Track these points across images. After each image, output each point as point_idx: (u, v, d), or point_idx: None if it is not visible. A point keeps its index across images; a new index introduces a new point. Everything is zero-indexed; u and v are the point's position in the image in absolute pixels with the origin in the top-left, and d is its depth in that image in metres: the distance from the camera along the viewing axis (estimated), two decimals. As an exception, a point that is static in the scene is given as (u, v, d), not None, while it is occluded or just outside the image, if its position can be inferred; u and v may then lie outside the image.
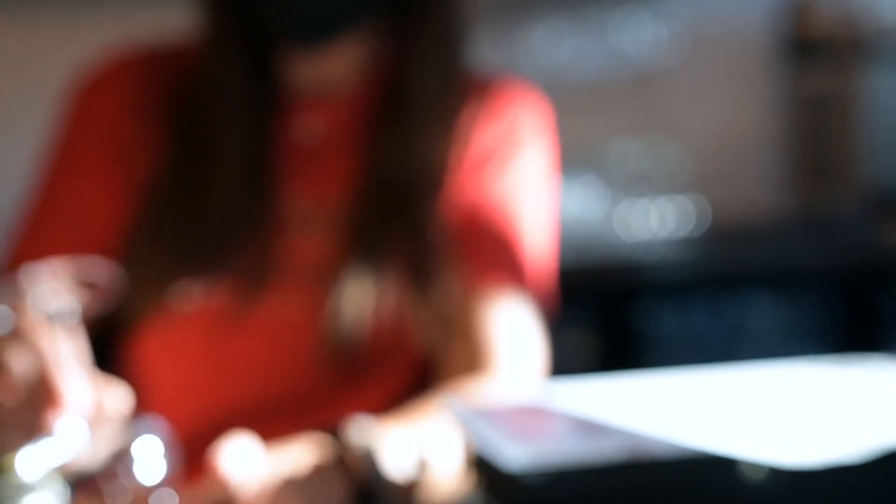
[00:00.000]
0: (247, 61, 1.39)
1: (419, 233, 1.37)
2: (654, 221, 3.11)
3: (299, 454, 1.15)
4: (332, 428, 1.18)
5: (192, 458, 1.25)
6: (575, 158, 3.14)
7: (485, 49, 3.22)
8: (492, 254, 1.39)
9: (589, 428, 1.03)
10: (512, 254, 1.40)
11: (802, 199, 3.38)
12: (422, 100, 1.40)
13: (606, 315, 2.93)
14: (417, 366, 1.39)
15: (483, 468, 1.03)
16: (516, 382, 1.34)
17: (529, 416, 1.12)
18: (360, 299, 1.34)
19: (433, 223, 1.37)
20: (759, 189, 3.39)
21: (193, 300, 1.36)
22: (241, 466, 1.09)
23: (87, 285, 0.99)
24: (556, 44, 3.28)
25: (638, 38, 3.32)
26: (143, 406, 1.38)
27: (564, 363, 2.91)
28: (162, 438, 1.04)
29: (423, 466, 1.18)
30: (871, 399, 1.09)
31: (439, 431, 1.18)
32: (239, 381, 1.37)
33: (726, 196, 3.31)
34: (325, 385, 1.35)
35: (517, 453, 0.94)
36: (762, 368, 1.21)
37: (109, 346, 1.39)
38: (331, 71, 1.42)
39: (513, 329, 1.37)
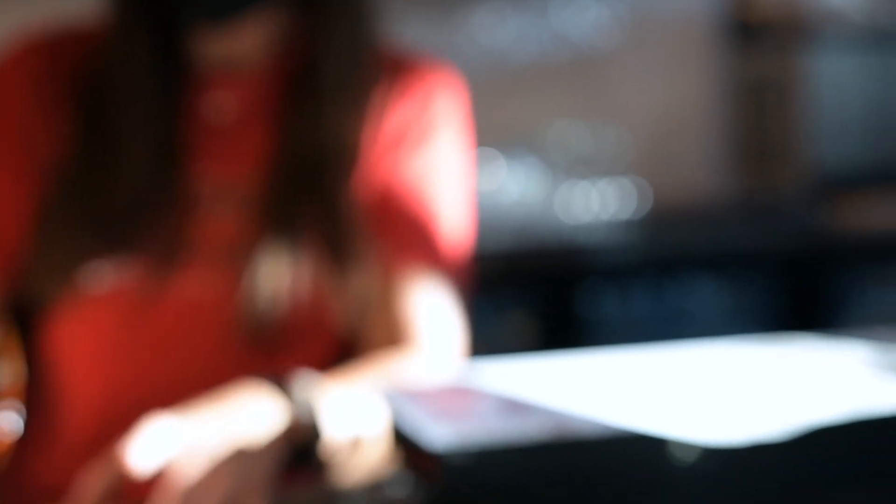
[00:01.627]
0: (154, 39, 1.39)
1: (333, 210, 1.37)
2: (596, 204, 3.12)
3: (248, 411, 1.16)
4: (278, 380, 1.20)
5: (108, 438, 1.24)
6: (516, 140, 3.16)
7: (426, 30, 3.26)
8: (407, 233, 1.40)
9: (515, 407, 1.03)
10: (427, 233, 1.40)
11: (744, 183, 3.40)
12: (332, 77, 1.40)
13: (548, 298, 2.94)
14: (336, 343, 1.40)
15: (408, 448, 1.02)
16: (437, 360, 1.35)
17: (455, 397, 1.12)
18: (275, 277, 1.34)
19: (347, 201, 1.38)
20: (701, 172, 3.41)
21: (106, 281, 1.36)
22: (157, 452, 1.09)
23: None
24: (497, 25, 3.29)
25: (580, 19, 3.33)
26: (59, 388, 1.39)
27: (505, 346, 2.94)
28: None
29: (357, 433, 1.19)
30: (800, 376, 1.09)
31: (371, 399, 1.19)
32: (154, 361, 1.37)
33: (668, 179, 3.33)
34: (241, 363, 1.34)
35: (441, 433, 0.94)
36: (693, 348, 1.20)
37: (23, 330, 1.38)
38: (241, 47, 1.42)
39: (431, 307, 1.38)
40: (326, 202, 1.38)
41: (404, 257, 1.38)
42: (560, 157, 3.18)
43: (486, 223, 2.96)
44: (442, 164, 1.44)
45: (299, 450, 1.16)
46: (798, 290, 3.01)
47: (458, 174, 1.46)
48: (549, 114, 3.26)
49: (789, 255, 3.07)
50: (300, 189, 1.38)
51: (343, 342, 1.40)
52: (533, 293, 2.93)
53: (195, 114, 1.41)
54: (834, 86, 3.22)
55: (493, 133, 3.16)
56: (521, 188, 3.07)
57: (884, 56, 3.26)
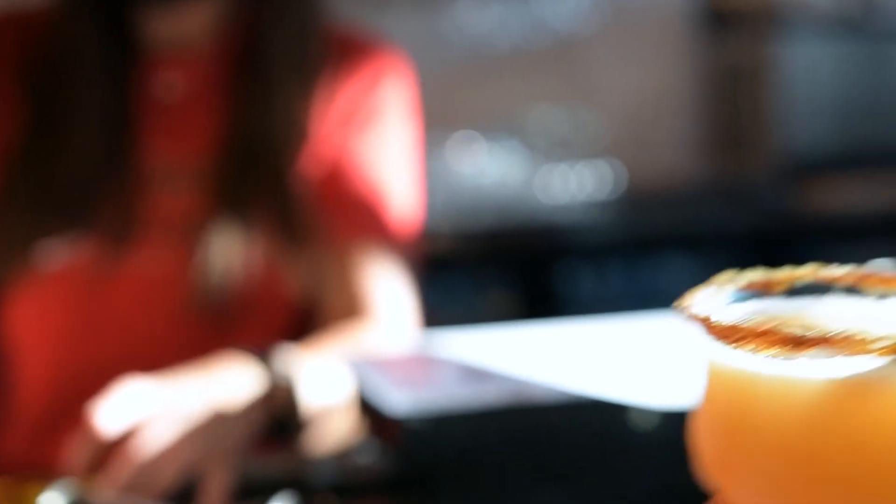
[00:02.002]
0: (102, 19, 1.38)
1: (283, 187, 1.37)
2: (574, 185, 3.13)
3: (224, 380, 1.16)
4: (258, 351, 1.20)
5: (63, 414, 1.27)
6: (497, 124, 3.18)
7: (408, 16, 3.24)
8: (357, 210, 1.40)
9: (475, 375, 1.06)
10: (376, 210, 1.41)
11: (717, 165, 3.42)
12: (280, 56, 1.40)
13: (526, 277, 2.96)
14: (291, 317, 1.40)
15: (372, 414, 1.07)
16: (393, 331, 1.36)
17: (417, 365, 1.15)
18: (228, 252, 1.34)
19: (297, 178, 1.38)
20: (675, 155, 3.43)
21: (59, 259, 1.35)
22: (126, 414, 1.09)
23: None
24: (479, 11, 3.29)
25: (559, 6, 3.33)
26: (14, 365, 1.39)
27: (485, 323, 2.92)
28: None
29: (328, 403, 1.20)
30: None
31: (339, 369, 1.20)
32: (108, 338, 1.37)
33: (644, 161, 3.34)
34: (196, 339, 1.34)
35: (401, 398, 0.98)
36: (652, 318, 1.25)
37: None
38: (189, 27, 1.42)
39: (383, 281, 1.39)
40: (276, 179, 1.37)
41: (354, 233, 1.38)
42: (539, 139, 3.20)
43: (468, 204, 3.00)
44: (390, 143, 1.44)
45: (277, 419, 1.16)
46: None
47: (406, 153, 1.47)
48: (529, 98, 3.28)
49: (760, 236, 3.09)
50: (250, 166, 1.37)
51: (298, 317, 1.40)
52: (512, 272, 2.95)
53: (145, 93, 1.40)
54: (804, 72, 3.24)
55: (475, 116, 3.18)
56: (501, 170, 3.08)
57: (853, 43, 3.27)
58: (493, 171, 3.06)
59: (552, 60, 3.34)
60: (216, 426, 1.10)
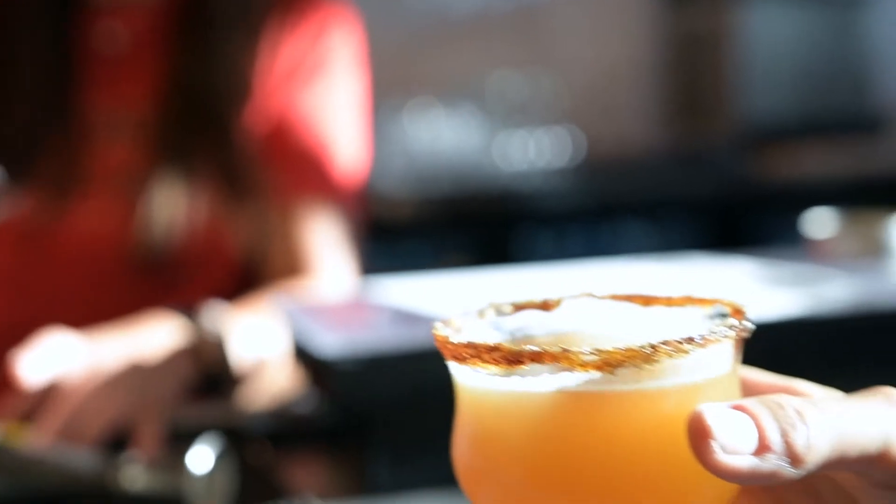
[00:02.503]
0: None
1: (227, 140, 1.36)
2: (532, 152, 3.14)
3: (150, 337, 1.15)
4: (186, 310, 1.19)
5: (1, 366, 1.23)
6: (455, 89, 3.17)
7: None
8: (302, 165, 1.39)
9: (408, 318, 1.06)
10: (321, 165, 1.40)
11: (676, 133, 3.43)
12: (223, 6, 1.38)
13: (485, 243, 2.96)
14: (234, 273, 1.39)
15: (303, 358, 1.06)
16: (334, 286, 1.36)
17: (351, 310, 1.15)
18: (170, 206, 1.33)
19: (241, 131, 1.37)
20: (634, 122, 3.44)
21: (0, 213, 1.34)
22: (50, 365, 1.08)
23: None
24: None
25: None
26: None
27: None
28: None
29: (263, 357, 1.19)
30: (689, 287, 1.14)
31: (274, 324, 1.20)
32: (49, 292, 1.36)
33: (603, 128, 3.35)
34: (138, 293, 1.34)
35: (332, 341, 0.98)
36: (593, 266, 1.25)
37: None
38: None
39: (326, 237, 1.38)
40: (220, 132, 1.36)
41: (299, 188, 1.38)
42: (498, 106, 3.20)
43: (425, 170, 2.99)
44: (336, 96, 1.43)
45: (209, 375, 1.15)
46: (727, 236, 3.03)
47: (353, 104, 1.45)
48: (488, 64, 3.28)
49: (719, 202, 3.10)
50: (193, 118, 1.36)
51: (241, 272, 1.39)
52: (470, 239, 2.95)
53: (87, 43, 1.39)
54: (764, 40, 3.25)
55: (433, 82, 3.18)
56: (459, 136, 3.08)
57: (812, 11, 3.28)
58: (450, 137, 3.06)
59: (511, 26, 3.34)
60: (139, 379, 1.10)
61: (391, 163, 2.93)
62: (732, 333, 0.47)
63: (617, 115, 3.41)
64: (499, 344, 0.46)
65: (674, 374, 0.46)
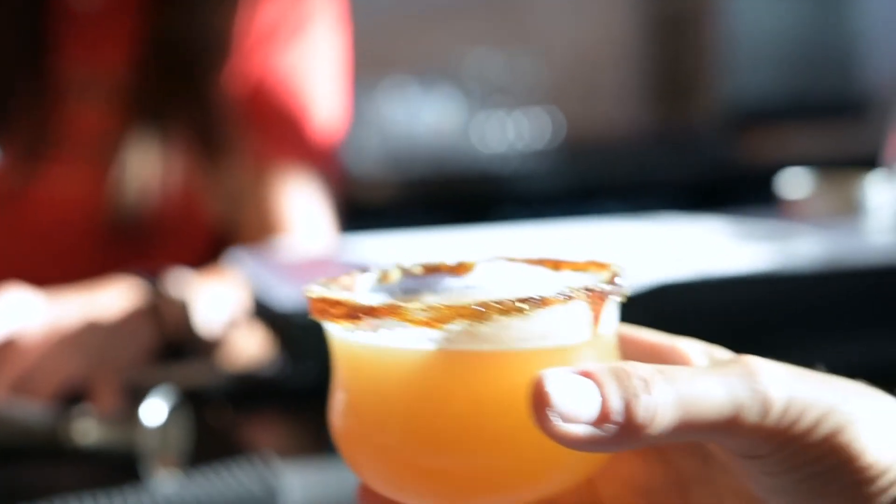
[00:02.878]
0: None
1: (204, 102, 1.34)
2: (511, 133, 3.11)
3: (109, 298, 1.13)
4: (149, 275, 1.17)
5: None
6: (433, 69, 3.14)
7: None
8: (279, 127, 1.37)
9: None
10: (299, 128, 1.38)
11: (658, 114, 3.41)
12: None
13: (462, 225, 2.94)
14: (208, 238, 1.38)
15: (262, 311, 1.04)
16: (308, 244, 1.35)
17: (314, 265, 1.12)
18: (144, 170, 1.31)
19: (218, 93, 1.35)
20: (615, 103, 3.41)
21: None
22: (6, 321, 1.06)
23: None
24: None
25: None
26: None
27: None
28: None
29: (230, 324, 1.18)
30: (661, 244, 1.13)
31: (242, 292, 1.19)
32: (21, 256, 1.34)
33: (583, 109, 3.32)
34: (111, 258, 1.32)
35: (288, 293, 0.96)
36: (571, 224, 1.27)
37: None
38: None
39: (302, 201, 1.37)
40: (197, 94, 1.34)
41: (276, 152, 1.36)
42: (477, 85, 3.17)
43: (402, 151, 2.98)
44: (315, 57, 1.41)
45: (173, 340, 1.14)
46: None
47: (332, 68, 1.44)
48: (467, 42, 3.25)
49: (701, 185, 3.07)
50: (169, 79, 1.34)
51: (216, 238, 1.38)
52: (448, 220, 2.90)
53: (61, 1, 1.36)
54: (748, 20, 3.22)
55: (411, 61, 3.16)
56: (436, 116, 3.04)
57: None
58: (428, 117, 3.03)
59: (491, 3, 3.31)
60: (96, 339, 1.08)
61: (367, 143, 2.92)
62: (582, 294, 0.46)
63: (598, 97, 3.38)
64: (342, 299, 0.46)
65: (538, 337, 0.46)
